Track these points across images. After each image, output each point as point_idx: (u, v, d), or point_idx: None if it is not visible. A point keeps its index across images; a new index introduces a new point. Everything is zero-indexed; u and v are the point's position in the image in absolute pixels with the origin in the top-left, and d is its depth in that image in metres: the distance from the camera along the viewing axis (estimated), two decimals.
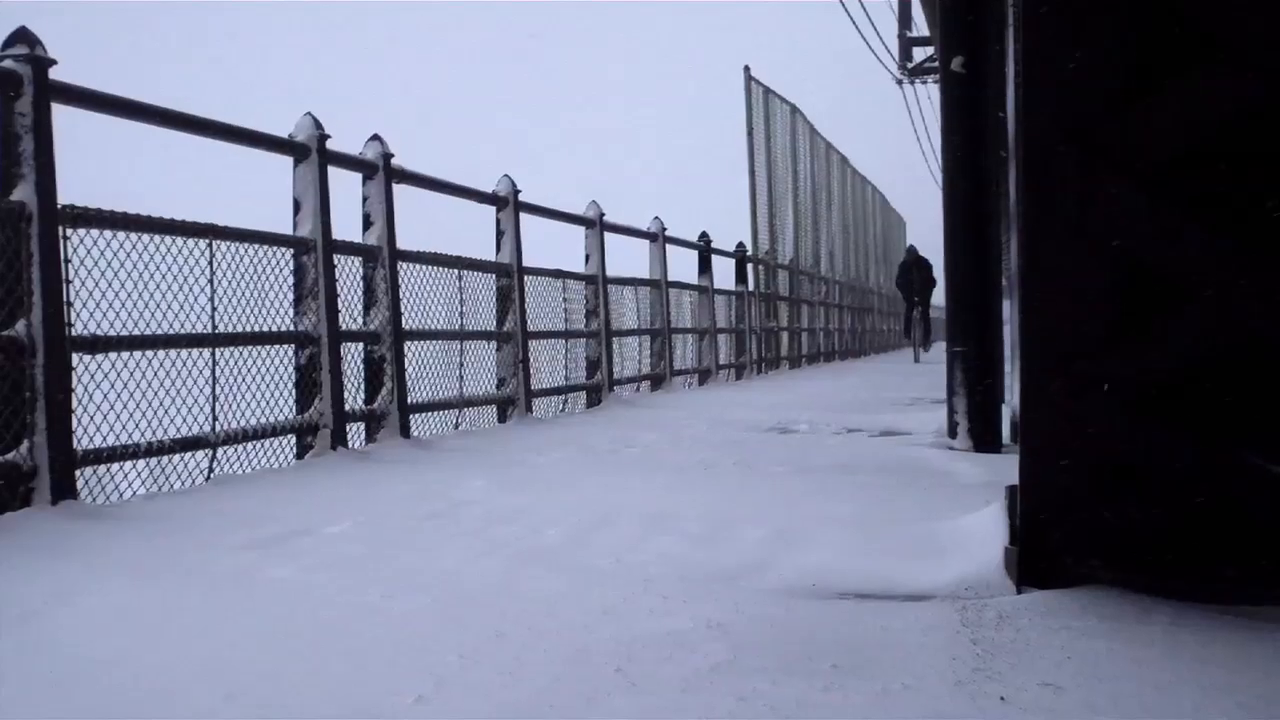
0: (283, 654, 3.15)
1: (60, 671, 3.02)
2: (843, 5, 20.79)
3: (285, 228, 7.32)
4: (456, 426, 9.32)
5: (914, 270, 26.17)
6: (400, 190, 8.46)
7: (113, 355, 5.67)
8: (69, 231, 5.39)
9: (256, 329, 6.81)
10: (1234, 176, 3.54)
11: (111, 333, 5.64)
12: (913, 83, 30.62)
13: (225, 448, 6.47)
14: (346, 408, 7.59)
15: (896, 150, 48.41)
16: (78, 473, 5.40)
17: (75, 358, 5.41)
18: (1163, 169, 3.57)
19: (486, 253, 10.32)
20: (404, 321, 8.39)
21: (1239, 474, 3.52)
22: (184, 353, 6.20)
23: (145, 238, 5.89)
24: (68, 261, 5.36)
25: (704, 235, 17.38)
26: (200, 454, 6.29)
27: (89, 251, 5.52)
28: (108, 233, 5.65)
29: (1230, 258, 3.53)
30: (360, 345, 8.06)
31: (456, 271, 9.42)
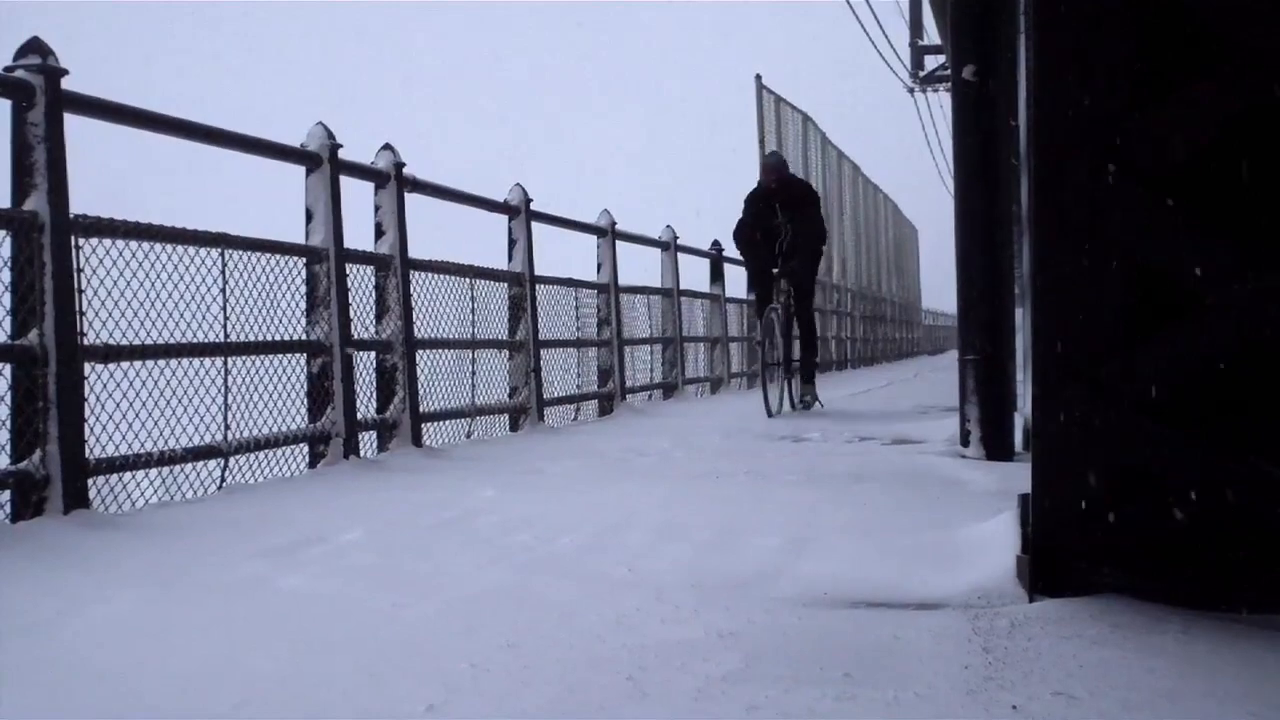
0: (293, 662, 3.15)
1: (71, 680, 3.02)
2: (854, 14, 20.82)
3: (298, 237, 7.33)
4: (469, 435, 9.32)
5: (775, 208, 11.59)
6: (412, 199, 8.47)
7: (125, 364, 5.68)
8: (81, 241, 5.41)
9: (268, 338, 6.82)
10: (1248, 181, 3.53)
11: (124, 342, 5.65)
12: (924, 91, 30.61)
13: (237, 457, 6.48)
14: (359, 417, 7.60)
15: (908, 159, 48.41)
16: (90, 482, 5.41)
17: (88, 367, 5.42)
18: (1176, 174, 3.56)
19: (498, 261, 10.34)
20: (416, 330, 8.40)
21: (1254, 481, 3.51)
22: (196, 362, 6.21)
23: (158, 247, 5.91)
24: (80, 271, 5.38)
25: (716, 244, 17.38)
26: (212, 463, 6.30)
27: (100, 261, 5.54)
28: (120, 242, 5.66)
29: (1245, 262, 3.52)
30: (372, 354, 8.06)
31: (468, 280, 9.43)
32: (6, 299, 5.16)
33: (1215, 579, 3.54)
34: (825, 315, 25.34)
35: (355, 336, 7.64)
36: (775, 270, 11.50)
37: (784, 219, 11.48)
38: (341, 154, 7.53)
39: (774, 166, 11.85)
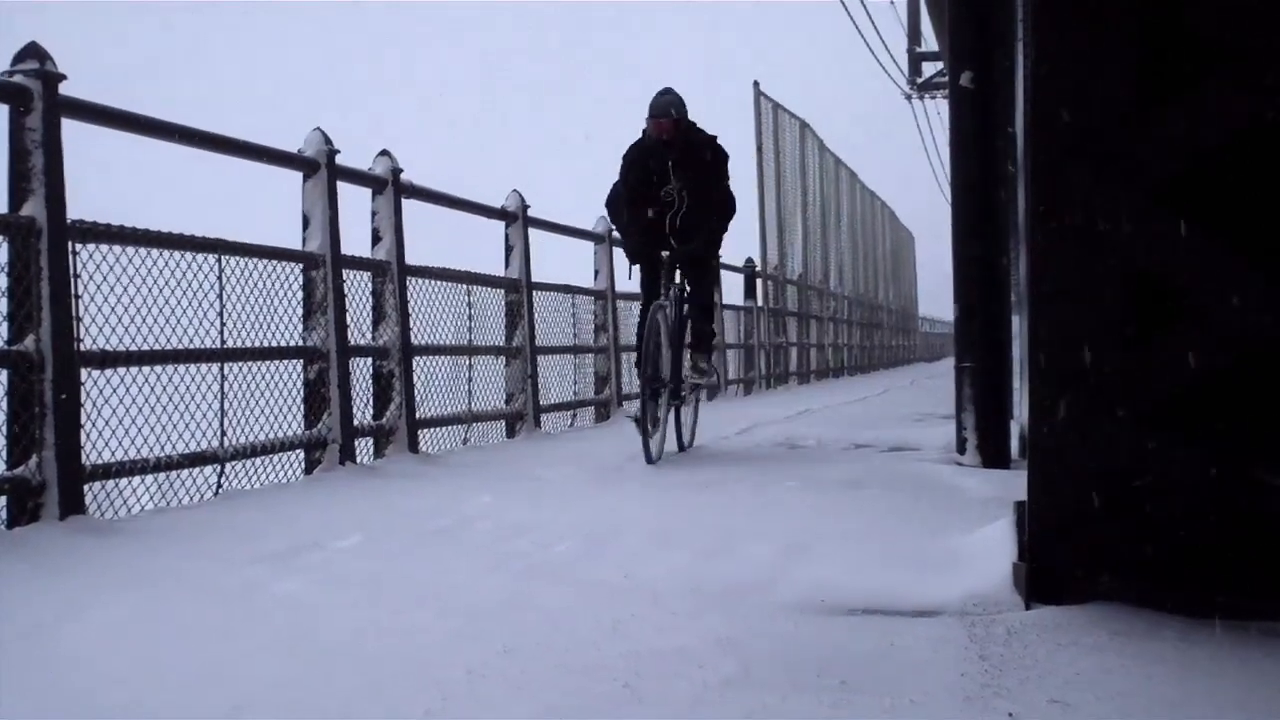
0: (290, 669, 3.15)
1: (68, 685, 3.02)
2: (851, 20, 20.83)
3: (295, 243, 7.32)
4: (465, 442, 9.32)
5: (668, 168, 8.18)
6: (409, 204, 8.47)
7: (121, 370, 5.67)
8: (78, 247, 5.40)
9: (265, 344, 6.81)
10: (1244, 190, 3.53)
11: (120, 348, 5.64)
12: (922, 98, 30.65)
13: (233, 463, 6.47)
14: (355, 423, 7.59)
15: (905, 165, 48.39)
16: (86, 487, 5.40)
17: (84, 373, 5.41)
18: (1172, 182, 3.57)
19: (495, 267, 10.33)
20: (413, 337, 8.39)
21: (1249, 489, 3.51)
22: (193, 368, 6.21)
23: (154, 253, 5.90)
24: (77, 276, 5.37)
25: None
26: (209, 469, 6.29)
27: (98, 267, 5.54)
28: (117, 248, 5.66)
29: (1242, 272, 3.52)
30: (369, 360, 8.06)
31: (465, 286, 9.43)
32: (3, 304, 5.15)
33: (1213, 586, 3.54)
34: (822, 322, 25.36)
35: (352, 343, 7.63)
36: (666, 253, 8.17)
37: (680, 184, 8.18)
38: (339, 160, 7.53)
39: (666, 108, 8.09)
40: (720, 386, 16.96)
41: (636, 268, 8.38)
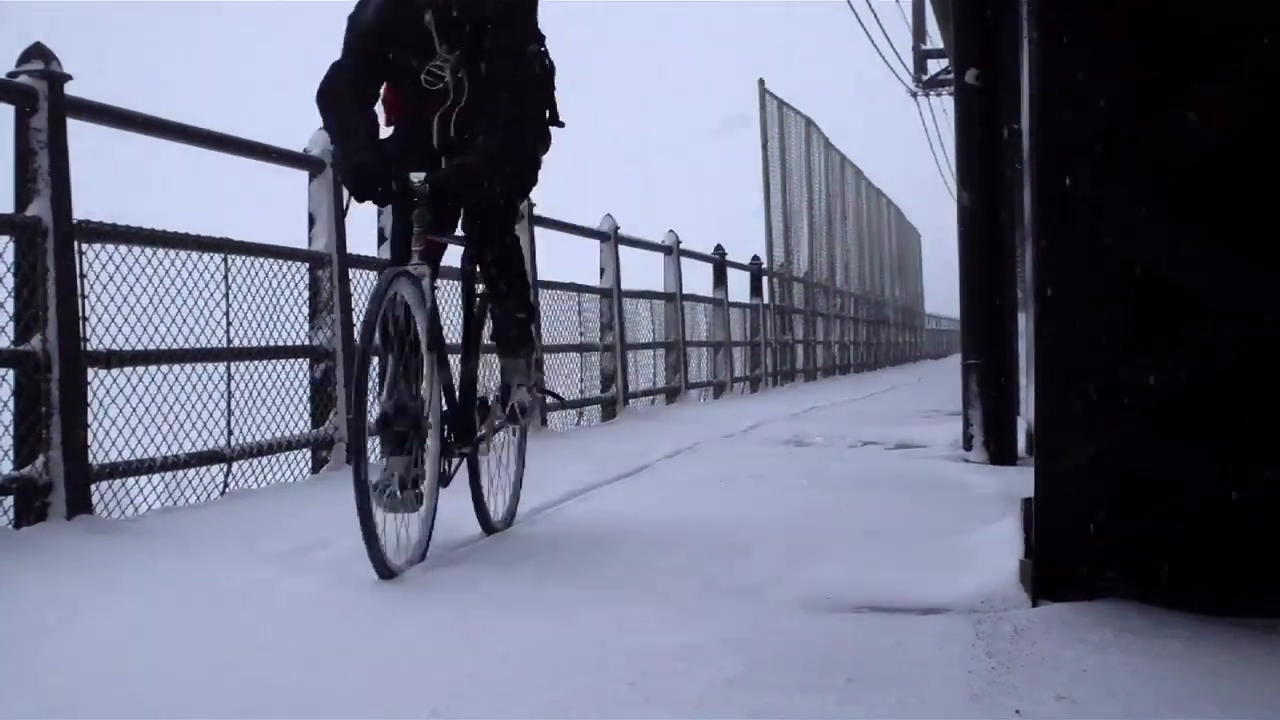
0: (297, 668, 3.15)
1: (73, 687, 3.02)
2: (856, 17, 20.83)
3: (300, 242, 7.32)
4: None
5: (430, 30, 4.53)
6: None
7: (128, 369, 5.68)
8: (84, 246, 5.40)
9: (271, 343, 6.82)
10: (1250, 189, 3.53)
11: (127, 347, 5.64)
12: (927, 95, 30.62)
13: (240, 462, 6.47)
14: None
15: (911, 163, 48.36)
16: (93, 487, 5.40)
17: (91, 372, 5.42)
18: (1178, 181, 3.56)
19: None
20: None
21: (1255, 486, 3.51)
22: (199, 367, 6.21)
23: (160, 252, 5.90)
24: (83, 276, 5.38)
25: (719, 248, 17.38)
26: (215, 468, 6.29)
27: (104, 266, 5.54)
28: (123, 247, 5.66)
29: (1247, 269, 3.52)
30: (374, 359, 8.04)
31: None
32: (10, 304, 5.15)
33: (1219, 583, 3.53)
34: (829, 320, 25.29)
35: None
36: (421, 177, 4.47)
37: (452, 57, 4.67)
38: None
39: None
40: (729, 386, 16.96)
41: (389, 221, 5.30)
